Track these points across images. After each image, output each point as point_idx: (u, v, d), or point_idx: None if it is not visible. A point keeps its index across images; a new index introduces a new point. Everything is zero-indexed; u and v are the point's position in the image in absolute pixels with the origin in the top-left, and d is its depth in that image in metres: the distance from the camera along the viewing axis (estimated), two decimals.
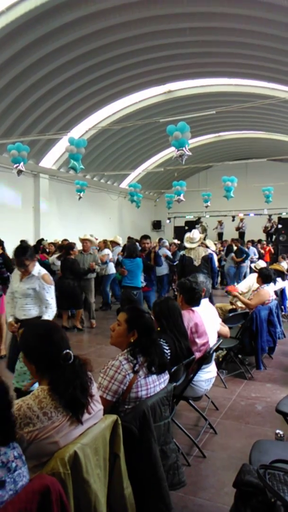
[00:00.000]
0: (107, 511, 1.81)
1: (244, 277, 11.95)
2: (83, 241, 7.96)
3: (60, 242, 10.54)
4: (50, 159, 14.39)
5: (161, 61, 10.83)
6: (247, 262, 12.16)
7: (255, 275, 5.97)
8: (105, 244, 9.99)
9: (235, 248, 12.18)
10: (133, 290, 6.73)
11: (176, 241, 12.80)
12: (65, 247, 7.96)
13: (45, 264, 9.02)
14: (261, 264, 6.87)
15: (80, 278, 7.53)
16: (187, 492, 2.66)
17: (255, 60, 10.33)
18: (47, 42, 9.03)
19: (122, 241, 10.92)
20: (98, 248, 9.81)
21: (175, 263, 10.38)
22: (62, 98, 11.42)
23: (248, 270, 12.26)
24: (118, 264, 8.35)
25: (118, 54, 10.07)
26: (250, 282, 6.25)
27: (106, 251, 9.59)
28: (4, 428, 1.39)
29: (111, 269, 9.49)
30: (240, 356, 5.17)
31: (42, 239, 11.89)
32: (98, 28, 8.87)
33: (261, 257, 13.18)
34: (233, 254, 12.01)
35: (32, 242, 12.84)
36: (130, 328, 2.38)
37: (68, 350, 1.77)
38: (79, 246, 8.28)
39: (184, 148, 7.44)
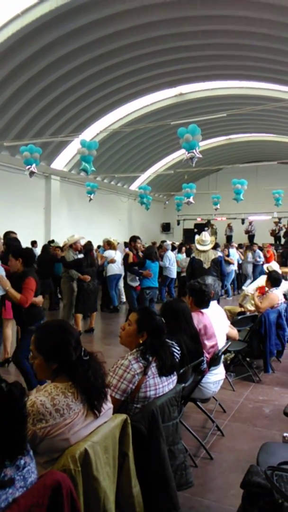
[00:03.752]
0: (115, 509, 1.84)
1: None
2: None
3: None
4: (62, 161, 14.51)
5: (173, 64, 10.87)
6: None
7: (264, 277, 5.94)
8: (109, 245, 9.59)
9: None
10: (156, 290, 7.33)
11: (169, 242, 11.90)
12: (85, 249, 7.54)
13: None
14: (274, 266, 6.80)
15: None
16: (194, 493, 2.67)
17: (267, 63, 10.32)
18: (59, 46, 9.12)
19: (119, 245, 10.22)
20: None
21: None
22: (74, 101, 11.51)
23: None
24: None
25: (130, 57, 10.13)
26: (259, 284, 6.22)
27: (107, 252, 9.37)
28: (13, 443, 1.31)
29: (114, 270, 9.26)
30: (248, 359, 5.16)
31: (53, 241, 11.98)
32: (110, 31, 8.94)
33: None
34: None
35: (42, 243, 13.00)
36: (140, 329, 2.40)
37: (84, 348, 1.82)
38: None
39: (194, 151, 7.46)
